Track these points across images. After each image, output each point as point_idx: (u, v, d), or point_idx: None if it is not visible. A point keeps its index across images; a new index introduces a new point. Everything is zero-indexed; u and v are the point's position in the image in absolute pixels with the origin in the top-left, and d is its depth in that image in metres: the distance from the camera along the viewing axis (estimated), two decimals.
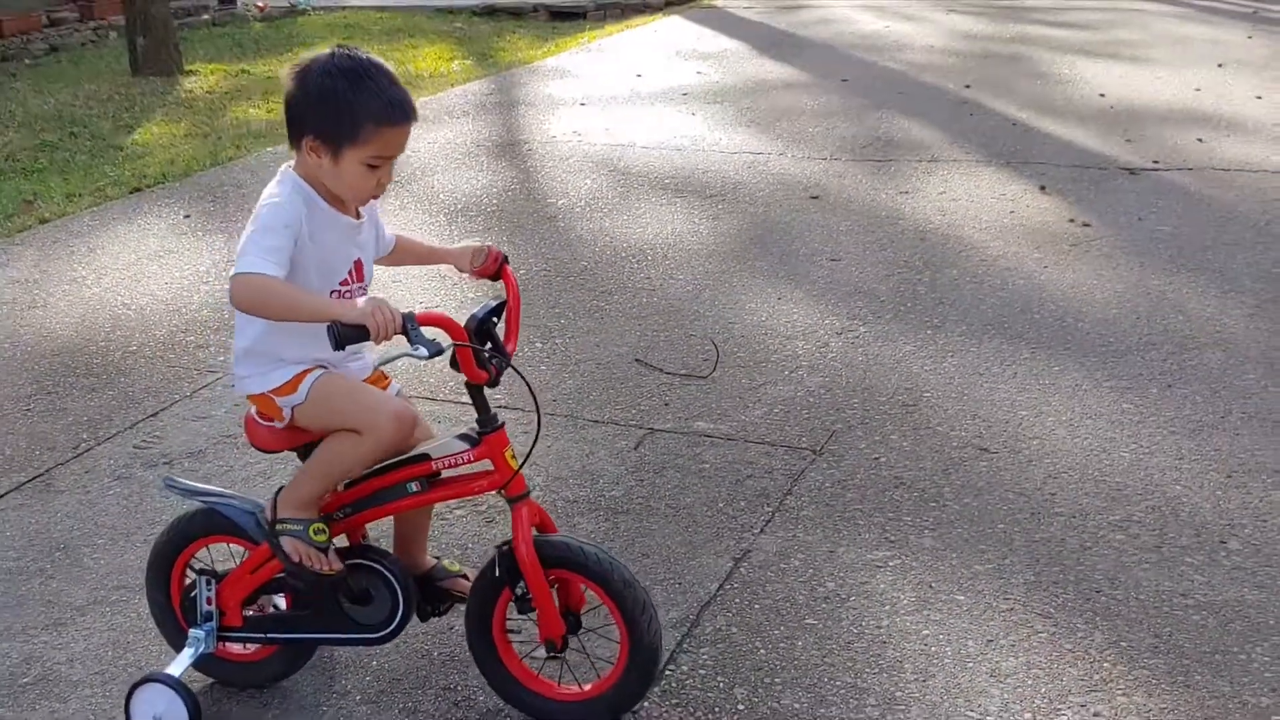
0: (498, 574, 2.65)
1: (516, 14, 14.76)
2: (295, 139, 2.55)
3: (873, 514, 3.60)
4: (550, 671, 2.82)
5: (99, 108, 9.77)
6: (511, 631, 2.77)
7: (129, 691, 2.73)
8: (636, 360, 4.68)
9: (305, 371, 2.62)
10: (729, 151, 7.60)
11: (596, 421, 4.18)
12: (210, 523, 2.81)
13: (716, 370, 4.56)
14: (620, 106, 8.99)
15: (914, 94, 9.02)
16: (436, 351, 2.38)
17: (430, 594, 2.88)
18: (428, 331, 2.38)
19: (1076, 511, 3.57)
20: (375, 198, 2.65)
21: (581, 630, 2.75)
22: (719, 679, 2.89)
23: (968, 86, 9.14)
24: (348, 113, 2.48)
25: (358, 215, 2.67)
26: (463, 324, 2.53)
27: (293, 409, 2.63)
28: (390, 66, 2.57)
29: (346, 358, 2.69)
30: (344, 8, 15.39)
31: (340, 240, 2.62)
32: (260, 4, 15.18)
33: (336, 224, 2.60)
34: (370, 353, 2.79)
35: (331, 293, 2.61)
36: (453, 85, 10.12)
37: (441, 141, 8.10)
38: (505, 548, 2.63)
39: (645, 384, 4.48)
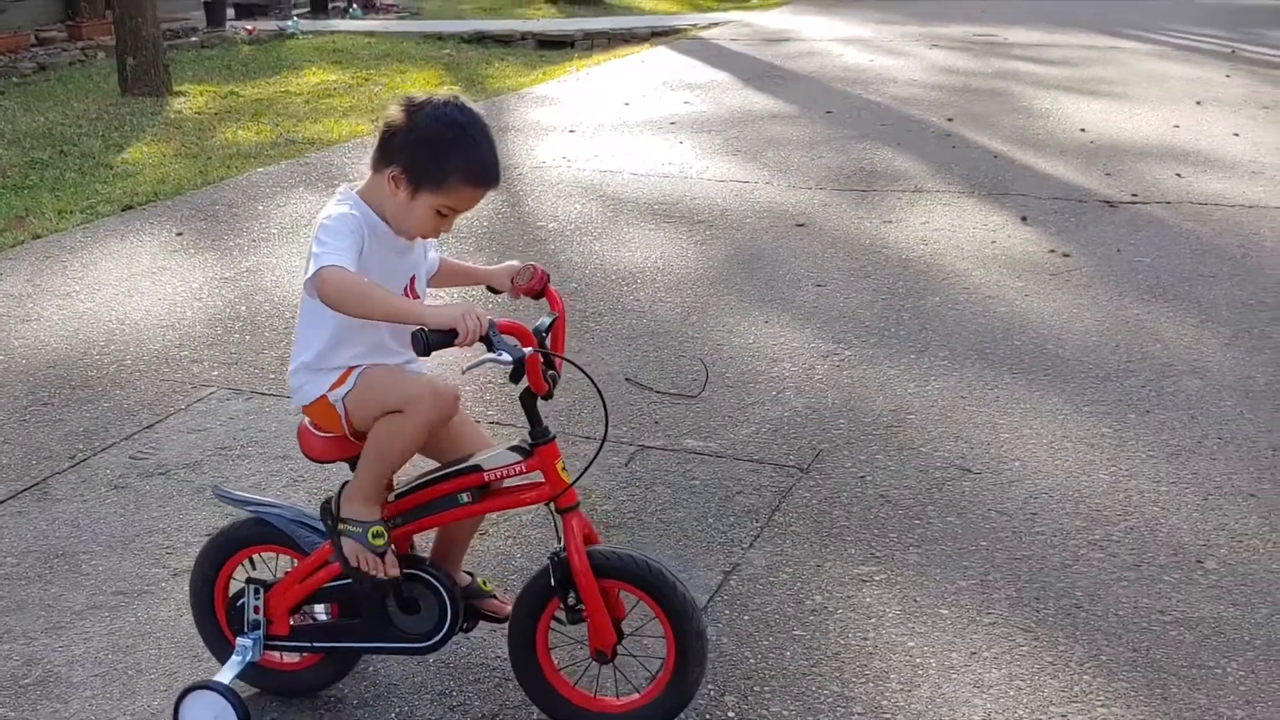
0: (551, 582, 2.66)
1: (505, 41, 14.90)
2: (380, 164, 2.63)
3: (859, 530, 3.68)
4: (586, 683, 2.84)
5: (89, 126, 9.83)
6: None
7: (178, 698, 2.76)
8: (627, 379, 4.76)
9: (353, 367, 2.69)
10: (716, 179, 7.71)
11: (589, 438, 4.25)
12: (258, 532, 2.86)
13: (705, 390, 4.65)
14: (608, 134, 9.10)
15: (897, 126, 9.16)
16: (519, 357, 2.44)
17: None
18: (506, 339, 2.46)
19: (1057, 531, 3.65)
20: (429, 238, 2.74)
21: (623, 639, 2.76)
22: (709, 686, 2.95)
23: (950, 120, 9.29)
24: (442, 162, 2.58)
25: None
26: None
27: (343, 400, 2.68)
28: (490, 130, 2.66)
29: (405, 363, 2.76)
30: (333, 32, 15.50)
31: (395, 258, 2.70)
32: (249, 27, 15.28)
33: (392, 243, 2.68)
34: (422, 365, 2.84)
35: None
36: None
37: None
38: (558, 557, 2.65)
39: (636, 402, 4.56)
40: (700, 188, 7.52)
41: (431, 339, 2.40)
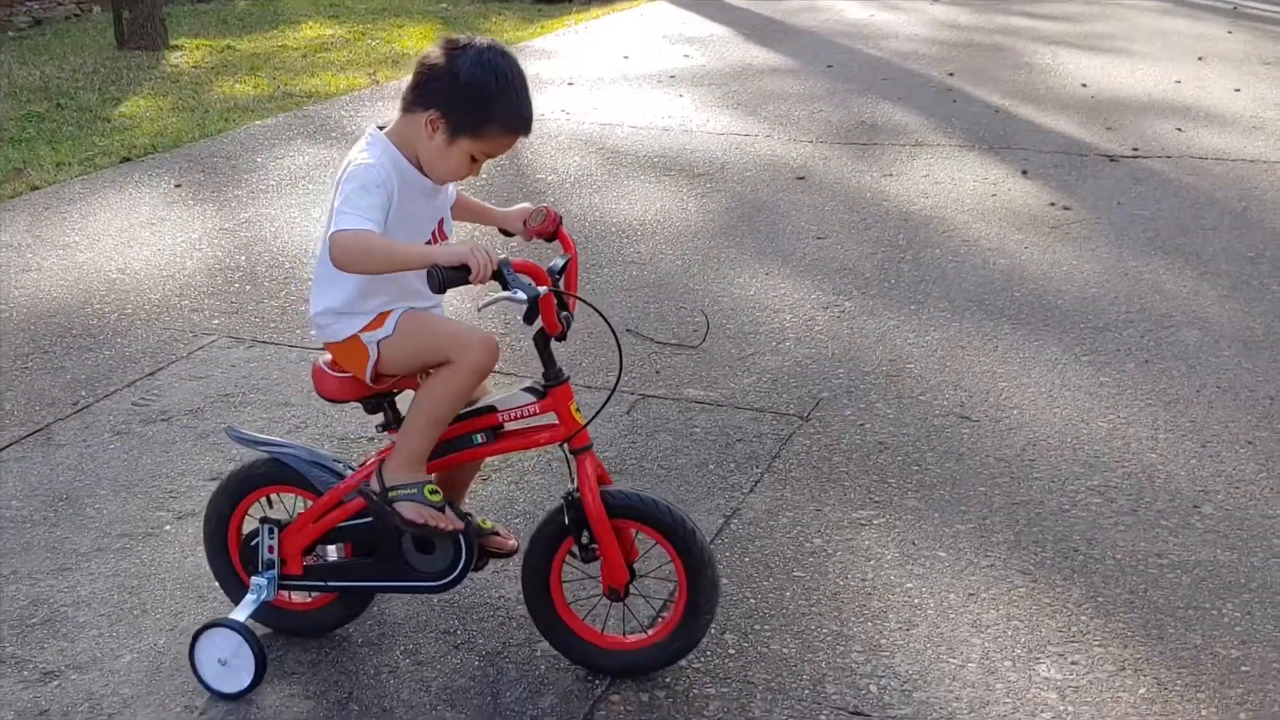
0: (566, 523, 2.69)
1: None
2: (416, 106, 2.60)
3: (858, 476, 3.70)
4: (593, 619, 2.89)
5: (85, 80, 9.77)
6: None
7: (193, 636, 2.78)
8: (628, 330, 4.76)
9: (389, 310, 2.68)
10: (716, 132, 7.69)
11: (589, 387, 4.27)
12: (273, 472, 2.86)
13: (706, 341, 4.66)
14: (608, 87, 9.06)
15: (898, 81, 9.13)
16: (534, 295, 2.44)
17: None
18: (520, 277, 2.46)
19: (1055, 477, 3.68)
20: (459, 181, 2.73)
21: (635, 579, 2.79)
22: (710, 625, 2.98)
23: (951, 74, 9.25)
24: (483, 108, 2.56)
25: None
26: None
27: (378, 344, 2.66)
28: (527, 78, 2.65)
29: (431, 308, 2.76)
30: None
31: (424, 202, 2.69)
32: None
33: (421, 186, 2.66)
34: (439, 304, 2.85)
35: None
36: None
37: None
38: (573, 497, 2.67)
39: (637, 353, 4.57)
40: (700, 141, 7.50)
41: (446, 276, 2.40)
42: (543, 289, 2.51)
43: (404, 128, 2.64)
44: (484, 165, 2.70)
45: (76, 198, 6.59)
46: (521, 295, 2.44)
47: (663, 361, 4.51)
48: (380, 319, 2.68)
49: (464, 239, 2.53)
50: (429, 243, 2.70)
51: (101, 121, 8.40)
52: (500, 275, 2.45)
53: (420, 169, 2.64)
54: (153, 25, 11.05)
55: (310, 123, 8.17)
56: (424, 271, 2.43)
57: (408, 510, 2.68)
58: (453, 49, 2.59)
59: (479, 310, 2.76)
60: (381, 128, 2.68)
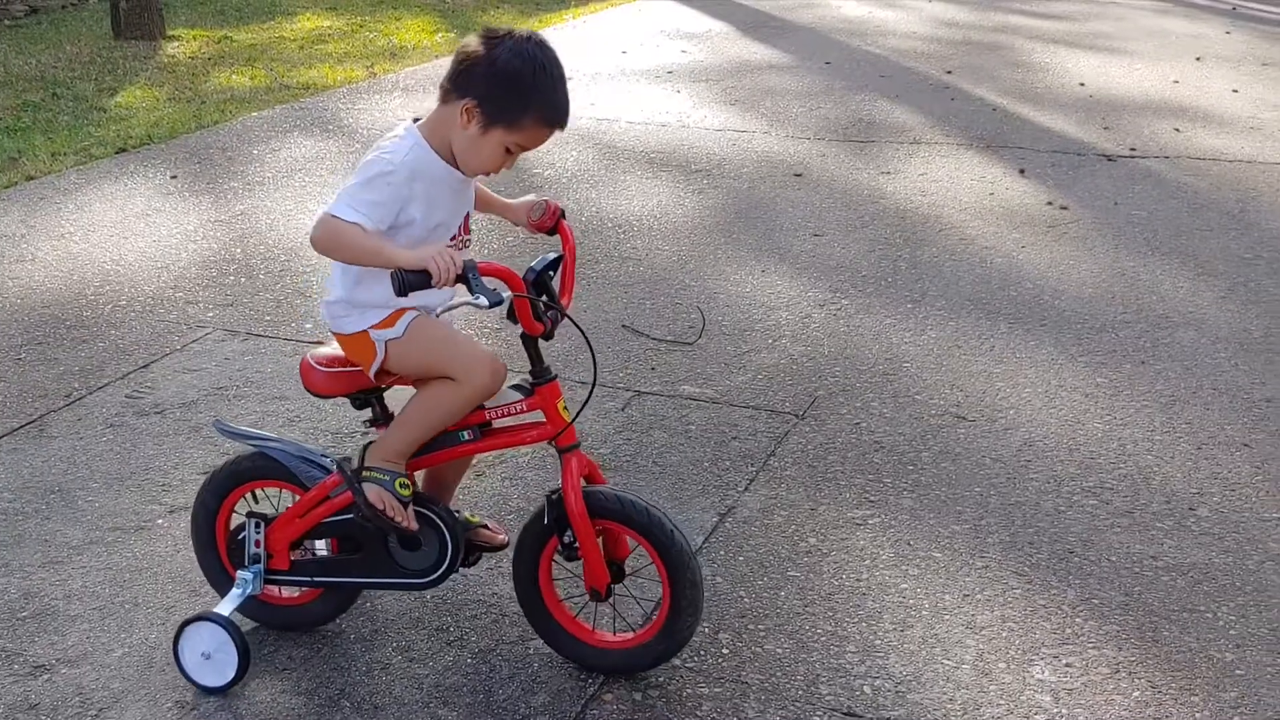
0: (546, 522, 2.69)
1: None
2: (453, 95, 2.58)
3: (853, 475, 3.70)
4: (588, 615, 2.88)
5: (81, 70, 9.74)
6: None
7: (177, 630, 2.78)
8: (624, 326, 4.75)
9: (402, 310, 2.66)
10: (714, 129, 7.67)
11: (585, 383, 4.26)
12: (260, 466, 2.85)
13: (702, 337, 4.65)
14: (605, 83, 9.04)
15: (896, 78, 9.11)
16: (496, 301, 2.42)
17: None
18: (488, 282, 2.43)
19: (1051, 478, 3.67)
20: (492, 174, 2.70)
21: (625, 579, 2.79)
22: (704, 625, 2.97)
23: (949, 72, 9.24)
24: (519, 99, 2.53)
25: None
26: (521, 275, 2.57)
27: (387, 343, 2.65)
28: (564, 71, 2.62)
29: (442, 311, 2.74)
30: None
31: (452, 197, 2.67)
32: None
33: (450, 180, 2.64)
34: (434, 301, 2.84)
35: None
36: (437, 56, 10.13)
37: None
38: (555, 496, 2.67)
39: (632, 349, 4.56)
40: (697, 137, 7.49)
41: (408, 279, 2.39)
42: (507, 295, 2.50)
43: (440, 118, 2.62)
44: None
45: (72, 188, 6.57)
46: (483, 301, 2.42)
47: (658, 358, 4.50)
48: (393, 318, 2.66)
49: (435, 242, 2.52)
50: (454, 237, 2.69)
51: (97, 112, 8.38)
52: (465, 279, 2.43)
53: (453, 162, 2.62)
54: (149, 15, 11.02)
55: (307, 115, 8.15)
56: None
57: (371, 492, 2.69)
58: (491, 38, 2.57)
59: (436, 315, 2.76)
60: (417, 120, 2.66)
